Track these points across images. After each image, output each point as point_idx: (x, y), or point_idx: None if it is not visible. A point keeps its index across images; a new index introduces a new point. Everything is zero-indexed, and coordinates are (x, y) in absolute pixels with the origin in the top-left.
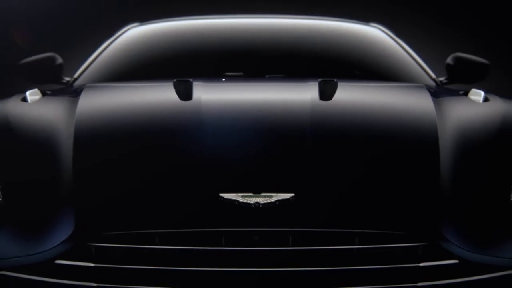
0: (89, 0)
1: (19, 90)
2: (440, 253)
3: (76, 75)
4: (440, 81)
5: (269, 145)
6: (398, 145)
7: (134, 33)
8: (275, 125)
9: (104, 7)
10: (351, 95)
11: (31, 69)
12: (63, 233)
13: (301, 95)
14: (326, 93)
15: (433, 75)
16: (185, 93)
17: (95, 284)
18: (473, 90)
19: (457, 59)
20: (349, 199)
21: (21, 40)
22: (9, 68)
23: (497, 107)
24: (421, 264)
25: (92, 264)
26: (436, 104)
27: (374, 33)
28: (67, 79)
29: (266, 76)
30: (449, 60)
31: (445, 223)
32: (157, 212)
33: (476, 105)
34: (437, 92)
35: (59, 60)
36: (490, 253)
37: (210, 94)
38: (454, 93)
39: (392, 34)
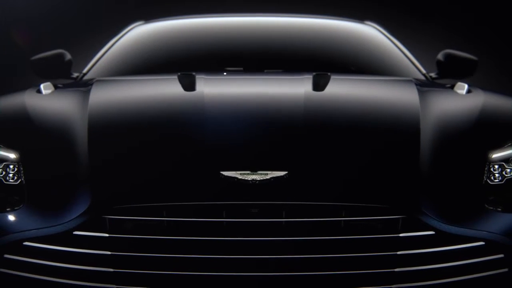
0: (89, 0)
1: (19, 89)
2: (418, 225)
3: (84, 71)
4: (431, 76)
5: (265, 129)
6: (383, 130)
7: (139, 31)
8: (271, 112)
9: (104, 7)
10: (342, 87)
11: (41, 65)
12: (80, 207)
13: (296, 86)
14: (319, 85)
15: (424, 71)
16: (189, 86)
17: (109, 252)
18: (459, 83)
19: (447, 56)
20: (337, 177)
21: (21, 40)
22: (8, 68)
23: (477, 98)
24: (401, 235)
25: (106, 235)
26: (421, 94)
27: (369, 31)
28: (76, 74)
29: (265, 71)
30: (439, 56)
31: (423, 198)
32: (165, 188)
33: (458, 96)
34: (424, 85)
35: (68, 56)
36: (463, 226)
37: (212, 86)
38: (440, 86)
39: (386, 32)
